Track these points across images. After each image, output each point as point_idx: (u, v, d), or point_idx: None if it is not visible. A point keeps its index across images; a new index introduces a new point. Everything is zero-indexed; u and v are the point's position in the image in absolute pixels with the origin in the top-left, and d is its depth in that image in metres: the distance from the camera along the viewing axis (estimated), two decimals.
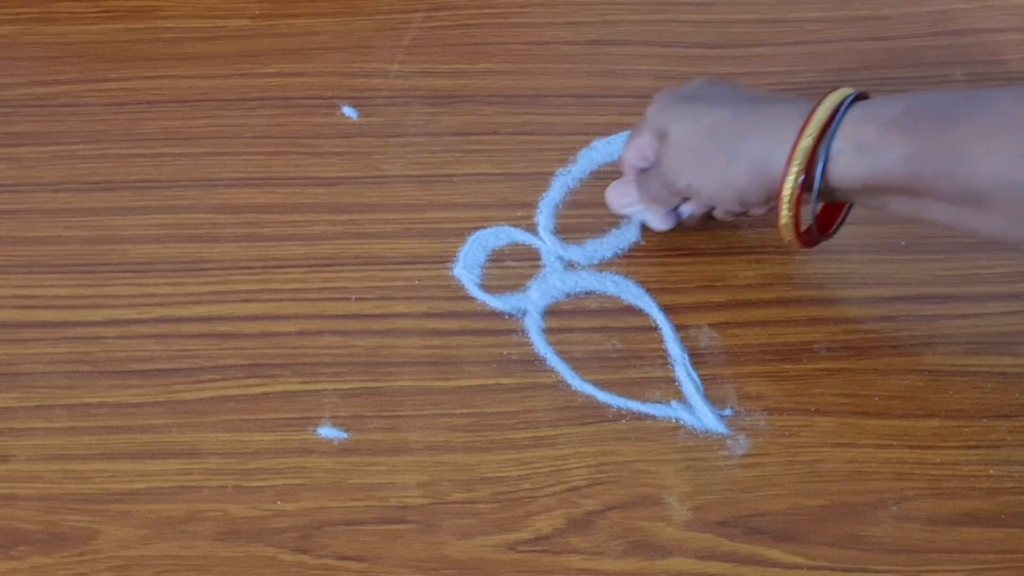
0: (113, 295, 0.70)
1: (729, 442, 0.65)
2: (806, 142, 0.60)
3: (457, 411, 0.66)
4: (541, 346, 0.68)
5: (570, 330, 0.69)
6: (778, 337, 0.68)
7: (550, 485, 0.63)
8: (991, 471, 0.63)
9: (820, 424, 0.65)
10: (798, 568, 0.60)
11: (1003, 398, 0.66)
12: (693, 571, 0.61)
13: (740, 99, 0.66)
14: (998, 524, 0.62)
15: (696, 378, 0.66)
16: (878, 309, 0.69)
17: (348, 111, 0.78)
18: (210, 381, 0.67)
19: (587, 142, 0.76)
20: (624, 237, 0.72)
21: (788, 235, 0.64)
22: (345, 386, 0.67)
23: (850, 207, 0.67)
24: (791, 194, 0.61)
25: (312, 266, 0.71)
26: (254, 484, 0.63)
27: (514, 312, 0.69)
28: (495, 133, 0.78)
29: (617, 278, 0.70)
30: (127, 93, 0.80)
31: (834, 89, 0.62)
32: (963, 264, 0.71)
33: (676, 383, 0.67)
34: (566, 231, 0.72)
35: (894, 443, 0.64)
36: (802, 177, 0.61)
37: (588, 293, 0.70)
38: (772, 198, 0.63)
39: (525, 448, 0.64)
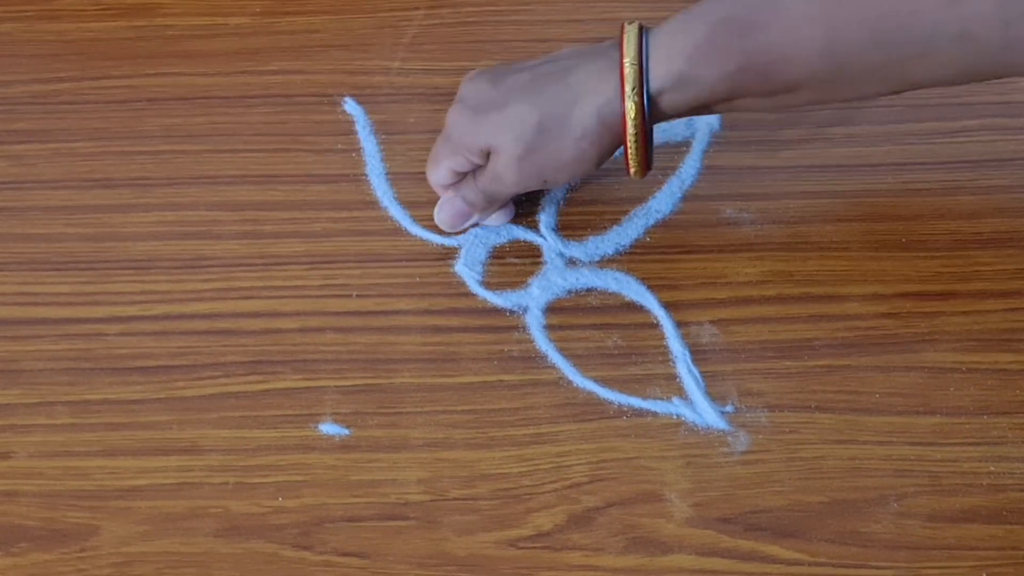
0: (114, 292, 0.70)
1: (730, 439, 0.65)
2: (630, 101, 0.63)
3: (458, 408, 0.66)
4: (542, 343, 0.68)
5: (571, 327, 0.69)
6: (779, 334, 0.68)
7: (551, 481, 0.63)
8: (991, 468, 0.63)
9: (821, 421, 0.65)
10: (799, 564, 0.60)
11: (1004, 395, 0.66)
12: (694, 567, 0.61)
13: (537, 80, 0.66)
14: (999, 521, 0.62)
15: (697, 375, 0.66)
16: (879, 306, 0.69)
17: (350, 107, 0.78)
18: (211, 378, 0.67)
19: None
20: (625, 234, 0.72)
21: (638, 168, 0.66)
22: (346, 383, 0.67)
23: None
24: (635, 144, 0.64)
25: (313, 263, 0.72)
26: (255, 480, 0.63)
27: (515, 309, 0.69)
28: None
29: (618, 275, 0.70)
30: (128, 90, 0.80)
31: (622, 26, 0.64)
32: (963, 261, 0.71)
33: (677, 380, 0.67)
34: (567, 228, 0.72)
35: (895, 440, 0.64)
36: (636, 125, 0.63)
37: (589, 290, 0.70)
38: (607, 151, 0.66)
39: (526, 445, 0.65)
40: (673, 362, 0.67)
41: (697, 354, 0.67)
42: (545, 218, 0.73)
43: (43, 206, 0.74)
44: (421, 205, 0.74)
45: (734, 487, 0.63)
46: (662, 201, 0.73)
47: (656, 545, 0.61)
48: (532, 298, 0.70)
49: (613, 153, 0.66)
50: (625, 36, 0.63)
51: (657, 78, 0.63)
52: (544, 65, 0.67)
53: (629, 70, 0.63)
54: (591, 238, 0.72)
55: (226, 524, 0.62)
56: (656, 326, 0.69)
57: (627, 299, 0.70)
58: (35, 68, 0.82)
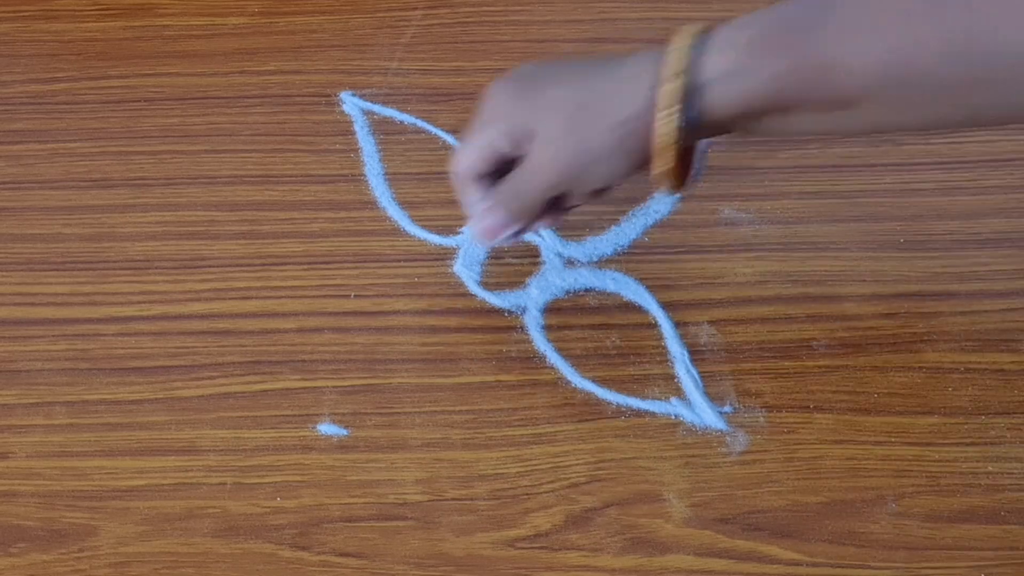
0: (112, 292, 0.70)
1: (728, 439, 0.65)
2: (670, 84, 0.57)
3: (456, 408, 0.66)
4: (540, 343, 0.68)
5: (569, 327, 0.69)
6: (777, 334, 0.68)
7: (549, 482, 0.63)
8: (990, 468, 0.63)
9: (819, 421, 0.65)
10: (797, 565, 0.60)
11: (1002, 395, 0.66)
12: (692, 568, 0.61)
13: (583, 70, 0.61)
14: (997, 521, 0.62)
15: (695, 375, 0.66)
16: (877, 306, 0.69)
17: (348, 105, 0.78)
18: (209, 378, 0.67)
19: None
20: (624, 234, 0.72)
21: (670, 182, 0.60)
22: (344, 383, 0.67)
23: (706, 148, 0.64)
24: (669, 138, 0.58)
25: (311, 263, 0.71)
26: (253, 481, 0.63)
27: (513, 309, 0.69)
28: None
29: (617, 275, 0.70)
30: (126, 91, 0.80)
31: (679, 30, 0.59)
32: (962, 261, 0.71)
33: (675, 380, 0.67)
34: (565, 228, 0.72)
35: (893, 440, 0.64)
36: (676, 119, 0.58)
37: (587, 290, 0.70)
38: (646, 157, 0.60)
39: (524, 445, 0.64)
40: (671, 362, 0.67)
41: (695, 354, 0.67)
42: None
43: (41, 206, 0.74)
44: (419, 205, 0.74)
45: (732, 487, 0.63)
46: (660, 201, 0.73)
47: (654, 545, 0.61)
48: (530, 298, 0.70)
49: (648, 159, 0.60)
50: (682, 30, 0.58)
51: (705, 67, 0.57)
52: (592, 57, 0.63)
53: (674, 56, 0.57)
54: (589, 238, 0.72)
55: (224, 524, 0.62)
56: (654, 326, 0.69)
57: (625, 299, 0.70)
58: (33, 68, 0.82)
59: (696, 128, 0.58)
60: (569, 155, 0.60)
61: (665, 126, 0.58)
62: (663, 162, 0.59)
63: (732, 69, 0.57)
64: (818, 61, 0.55)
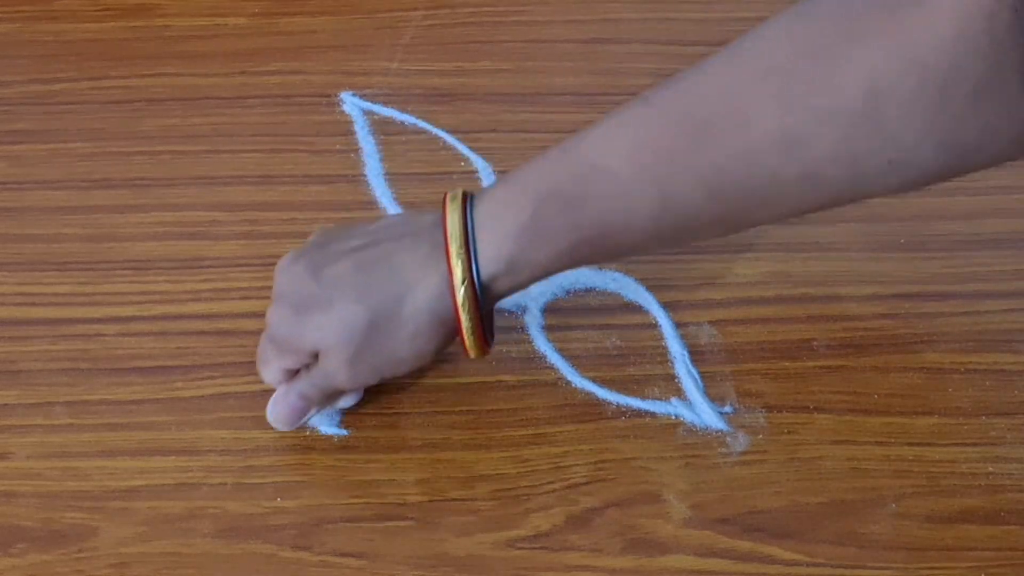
0: (112, 292, 0.70)
1: (728, 439, 0.64)
2: (461, 292, 0.58)
3: (456, 408, 0.66)
4: (541, 343, 0.68)
5: (570, 327, 0.69)
6: (778, 334, 0.68)
7: (549, 482, 0.63)
8: (990, 468, 0.63)
9: (819, 421, 0.65)
10: (797, 565, 0.60)
11: (1002, 395, 0.66)
12: (692, 568, 0.61)
13: (357, 275, 0.60)
14: (997, 522, 0.62)
15: (696, 375, 0.66)
16: (877, 307, 0.69)
17: (349, 105, 0.79)
18: (209, 378, 0.67)
19: None
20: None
21: (477, 352, 0.62)
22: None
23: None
24: (471, 334, 0.60)
25: None
26: (253, 481, 0.63)
27: (514, 309, 0.69)
28: (495, 131, 0.78)
29: (617, 275, 0.70)
30: (126, 91, 0.80)
31: (444, 200, 0.59)
32: (962, 262, 0.71)
33: (676, 380, 0.67)
34: None
35: (893, 440, 0.64)
36: (470, 317, 0.59)
37: (588, 290, 0.70)
38: (445, 341, 0.62)
39: (524, 445, 0.64)
40: (672, 362, 0.67)
41: (696, 354, 0.67)
42: None
43: (41, 206, 0.74)
44: (420, 205, 0.74)
45: (732, 488, 0.63)
46: None
47: (654, 546, 0.61)
48: (531, 298, 0.70)
49: (453, 340, 0.62)
50: (448, 219, 0.58)
51: (487, 264, 0.58)
52: (366, 250, 0.61)
53: (456, 261, 0.58)
54: None
55: (224, 525, 0.62)
56: (655, 326, 0.69)
57: (626, 299, 0.70)
58: (33, 69, 0.82)
59: (486, 308, 0.60)
60: (362, 369, 0.61)
61: (468, 332, 0.60)
62: (470, 350, 0.61)
63: (513, 261, 0.59)
64: (596, 232, 0.58)
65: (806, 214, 0.59)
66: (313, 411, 0.64)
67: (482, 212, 0.59)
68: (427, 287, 0.59)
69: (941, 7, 0.51)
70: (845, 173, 0.54)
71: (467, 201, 0.59)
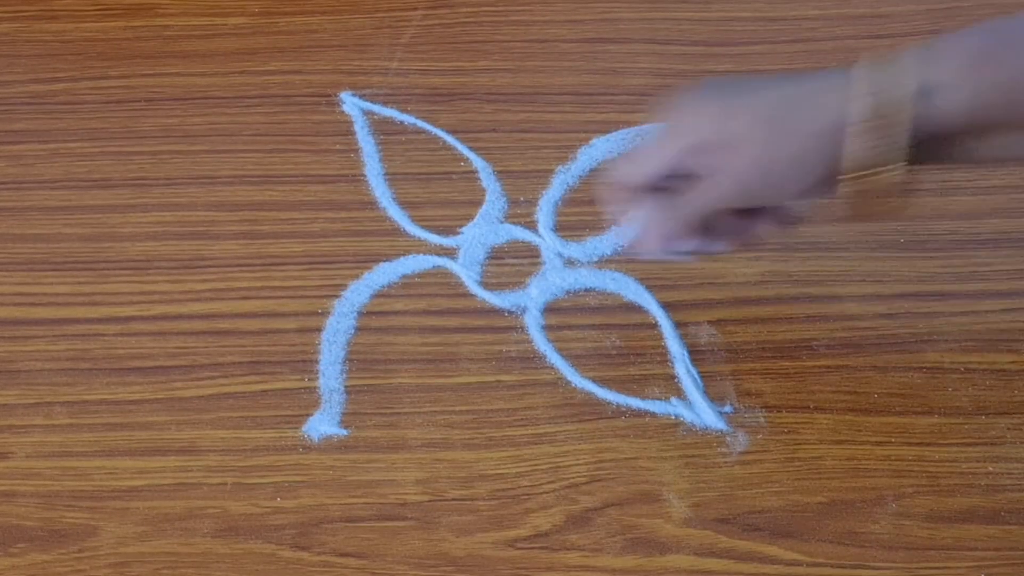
0: (112, 292, 0.70)
1: (728, 439, 0.65)
2: (865, 100, 0.54)
3: (456, 408, 0.66)
4: (541, 343, 0.68)
5: (570, 327, 0.69)
6: (777, 334, 0.68)
7: (549, 482, 0.63)
8: (990, 468, 0.63)
9: (819, 421, 0.65)
10: (797, 565, 0.60)
11: (1002, 395, 0.66)
12: (692, 568, 0.61)
13: (775, 82, 0.58)
14: (997, 521, 0.62)
15: (695, 375, 0.66)
16: (877, 306, 0.69)
17: (349, 105, 0.79)
18: (209, 378, 0.67)
19: (587, 139, 0.76)
20: (624, 235, 0.72)
21: (898, 197, 0.56)
22: (344, 383, 0.67)
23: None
24: (902, 145, 0.55)
25: (311, 263, 0.71)
26: (253, 481, 0.63)
27: (514, 309, 0.69)
28: (494, 131, 0.78)
29: (617, 275, 0.70)
30: (126, 91, 0.80)
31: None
32: (962, 261, 0.71)
33: (675, 380, 0.67)
34: (566, 228, 0.72)
35: (893, 440, 0.64)
36: (871, 138, 0.55)
37: (588, 290, 0.70)
38: (831, 165, 0.56)
39: (524, 445, 0.64)
40: (671, 362, 0.67)
41: (696, 354, 0.67)
42: (544, 218, 0.73)
43: (41, 206, 0.74)
44: (419, 205, 0.74)
45: (732, 487, 0.63)
46: None
47: (654, 545, 0.61)
48: (531, 298, 0.70)
49: (836, 177, 0.57)
50: (902, 50, 0.55)
51: (928, 76, 0.54)
52: (783, 75, 0.58)
53: (870, 74, 0.55)
54: (590, 238, 0.72)
55: (224, 524, 0.62)
56: (655, 326, 0.69)
57: (625, 299, 0.70)
58: (33, 68, 0.82)
59: (907, 143, 0.55)
60: (762, 164, 0.57)
61: (856, 142, 0.55)
62: (890, 175, 0.56)
63: (953, 81, 0.54)
64: None
65: None
66: (689, 243, 0.61)
67: (928, 46, 0.55)
68: (843, 94, 0.55)
69: None
70: None
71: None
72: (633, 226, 0.61)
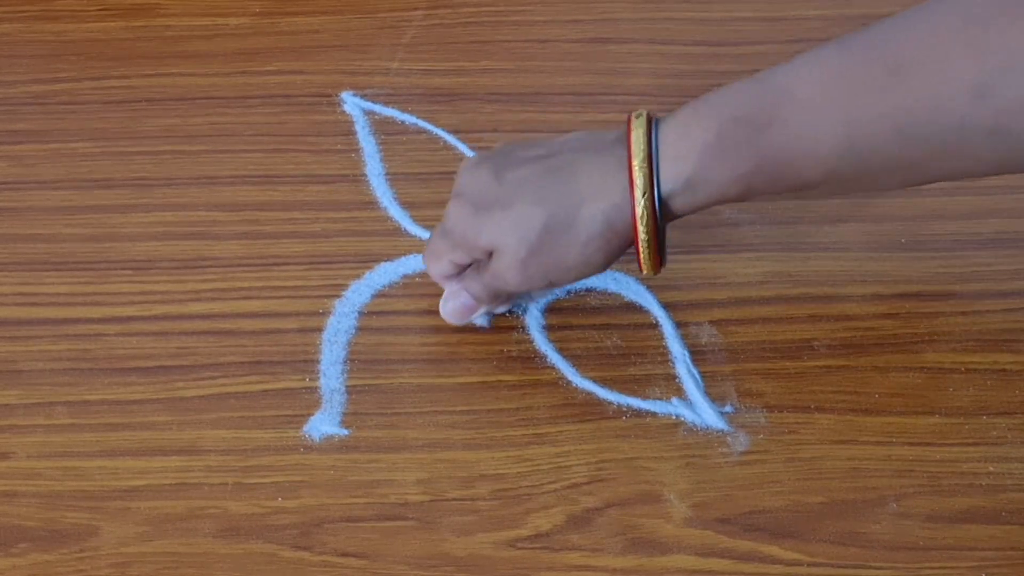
0: (113, 292, 0.70)
1: (729, 439, 0.65)
2: (641, 206, 0.60)
3: (457, 408, 0.66)
4: (541, 343, 0.68)
5: (570, 327, 0.69)
6: (778, 334, 0.68)
7: (550, 482, 0.63)
8: (991, 468, 0.63)
9: (820, 421, 0.65)
10: (797, 565, 0.60)
11: (1003, 395, 0.66)
12: (693, 568, 0.61)
13: (539, 180, 0.62)
14: (998, 521, 0.62)
15: (696, 375, 0.66)
16: (878, 306, 0.69)
17: (350, 105, 0.79)
18: (210, 378, 0.67)
19: None
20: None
21: (651, 268, 0.63)
22: (345, 383, 0.67)
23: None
24: (647, 247, 0.61)
25: (312, 264, 0.72)
26: (254, 481, 0.63)
27: (514, 309, 0.69)
28: (496, 131, 0.78)
29: (618, 275, 0.70)
30: (127, 91, 0.80)
31: (628, 119, 0.61)
32: (963, 261, 0.71)
33: (676, 380, 0.67)
34: None
35: (894, 440, 0.64)
36: (647, 229, 0.61)
37: (588, 290, 0.70)
38: (615, 254, 0.63)
39: (525, 445, 0.64)
40: (672, 362, 0.67)
41: (696, 354, 0.67)
42: None
43: (42, 206, 0.74)
44: (420, 206, 0.74)
45: (733, 488, 0.63)
46: None
47: (655, 546, 0.61)
48: (531, 298, 0.70)
49: (621, 254, 0.63)
50: (632, 134, 0.60)
51: (667, 181, 0.60)
52: (549, 159, 0.63)
53: (638, 173, 0.59)
54: None
55: (225, 525, 0.62)
56: (655, 326, 0.69)
57: (626, 299, 0.70)
58: (34, 68, 0.82)
59: (662, 225, 0.62)
60: (533, 272, 0.63)
61: (644, 245, 0.61)
62: (644, 266, 0.63)
63: (692, 179, 0.59)
64: (778, 158, 0.58)
65: (983, 176, 0.59)
66: (481, 310, 0.67)
67: (666, 130, 0.60)
68: (606, 197, 0.61)
69: None
70: None
71: (652, 120, 0.61)
72: (449, 300, 0.67)
